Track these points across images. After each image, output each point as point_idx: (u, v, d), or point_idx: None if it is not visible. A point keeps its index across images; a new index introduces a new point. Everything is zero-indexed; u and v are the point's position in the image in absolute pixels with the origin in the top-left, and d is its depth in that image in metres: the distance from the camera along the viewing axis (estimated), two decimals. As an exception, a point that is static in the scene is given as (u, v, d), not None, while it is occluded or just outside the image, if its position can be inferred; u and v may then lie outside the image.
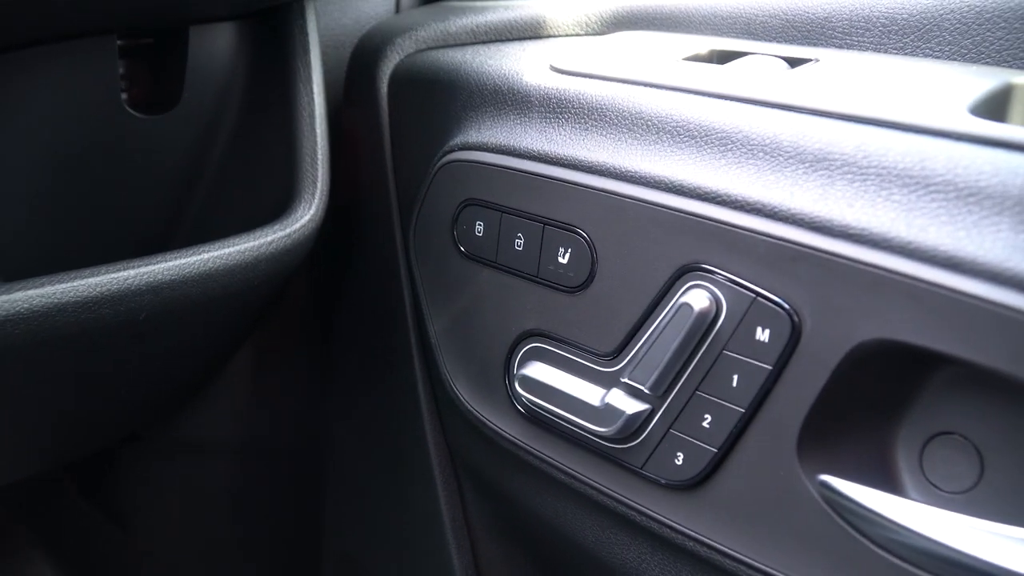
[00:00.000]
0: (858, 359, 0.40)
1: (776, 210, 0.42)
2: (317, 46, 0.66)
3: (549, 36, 0.67)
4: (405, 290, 0.66)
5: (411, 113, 0.65)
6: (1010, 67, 0.48)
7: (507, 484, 0.61)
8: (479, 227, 0.57)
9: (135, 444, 0.86)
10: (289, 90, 0.65)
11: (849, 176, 0.41)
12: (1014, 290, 0.35)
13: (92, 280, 0.53)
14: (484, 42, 0.67)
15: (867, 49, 0.53)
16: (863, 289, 0.39)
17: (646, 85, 0.51)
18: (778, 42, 0.56)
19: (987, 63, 0.48)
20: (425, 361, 0.66)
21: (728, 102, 0.47)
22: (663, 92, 0.50)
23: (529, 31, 0.67)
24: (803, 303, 0.42)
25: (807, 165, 0.42)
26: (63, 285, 0.52)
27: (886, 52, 0.52)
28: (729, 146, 0.45)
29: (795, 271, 0.42)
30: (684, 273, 0.46)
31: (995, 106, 0.42)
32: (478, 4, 0.72)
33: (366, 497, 0.76)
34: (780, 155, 0.43)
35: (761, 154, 0.44)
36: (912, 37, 0.51)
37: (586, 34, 0.67)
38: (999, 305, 0.35)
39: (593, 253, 0.51)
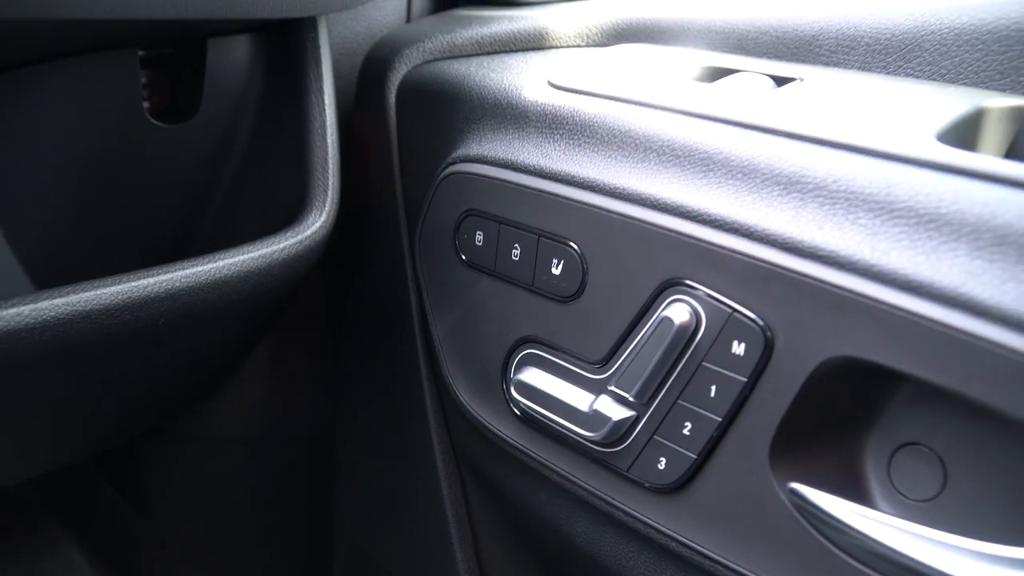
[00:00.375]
0: (826, 374, 0.42)
1: (752, 230, 0.44)
2: (328, 58, 0.68)
3: (552, 47, 0.69)
4: (411, 294, 0.69)
5: (417, 123, 0.68)
6: (986, 88, 0.49)
7: (506, 483, 0.64)
8: (479, 237, 0.59)
9: (158, 437, 0.90)
10: (301, 101, 0.68)
11: (820, 199, 0.43)
12: (967, 314, 0.37)
13: (114, 288, 0.56)
14: (489, 53, 0.69)
15: (852, 67, 0.54)
16: (830, 308, 0.41)
17: (637, 104, 0.53)
18: (768, 58, 0.58)
19: (965, 83, 0.49)
20: (430, 363, 0.69)
21: (711, 123, 0.49)
22: (652, 111, 0.52)
23: (533, 42, 0.69)
24: (776, 320, 0.44)
25: (781, 187, 0.44)
26: (87, 294, 0.55)
27: (870, 71, 0.53)
28: (711, 166, 0.47)
29: (768, 289, 0.44)
30: (667, 287, 0.48)
31: (964, 131, 0.44)
32: (485, 14, 0.74)
33: (375, 491, 0.80)
34: (757, 177, 0.45)
35: (739, 175, 0.46)
36: (894, 57, 0.52)
37: (588, 45, 0.68)
38: (953, 328, 0.37)
39: (584, 265, 0.53)
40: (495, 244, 0.58)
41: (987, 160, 0.39)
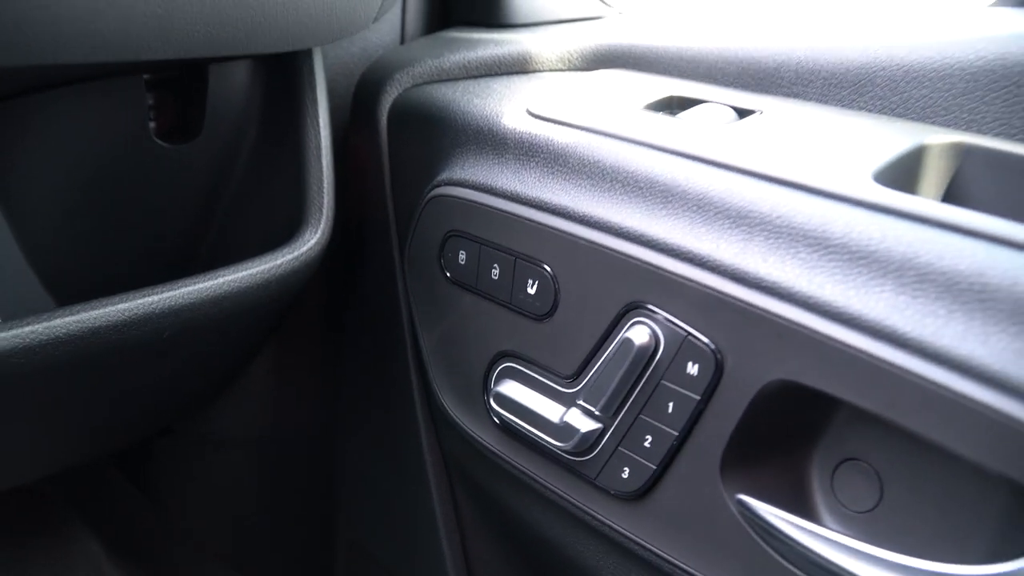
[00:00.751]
0: (770, 395, 0.46)
1: (704, 260, 0.48)
2: (323, 83, 0.72)
3: (536, 71, 0.72)
4: (402, 307, 0.73)
5: (407, 146, 0.71)
6: (931, 123, 0.52)
7: (490, 486, 0.68)
8: (462, 256, 0.63)
9: (170, 436, 0.94)
10: (298, 124, 0.72)
11: (765, 233, 0.46)
12: (891, 345, 0.40)
13: (122, 306, 0.60)
14: (476, 76, 0.73)
15: (811, 99, 0.57)
16: (772, 336, 0.45)
17: (605, 135, 0.56)
18: (734, 87, 0.61)
19: (913, 118, 0.52)
20: (420, 373, 0.73)
21: (671, 156, 0.52)
22: (618, 143, 0.55)
23: (517, 66, 0.73)
24: (725, 344, 0.47)
25: (731, 221, 0.47)
26: (96, 312, 0.60)
27: (827, 103, 0.56)
28: (669, 198, 0.51)
29: (719, 316, 0.47)
30: (629, 310, 0.52)
31: (903, 170, 0.47)
32: (474, 36, 0.77)
33: (372, 491, 0.84)
34: (710, 209, 0.48)
35: (694, 207, 0.49)
36: (848, 91, 0.55)
37: (569, 69, 0.72)
38: (878, 358, 0.40)
39: (556, 286, 0.56)
40: (476, 263, 0.62)
41: (914, 201, 0.42)
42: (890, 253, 0.41)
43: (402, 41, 0.83)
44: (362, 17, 0.65)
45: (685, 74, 0.64)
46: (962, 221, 0.40)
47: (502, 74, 0.73)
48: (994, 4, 0.60)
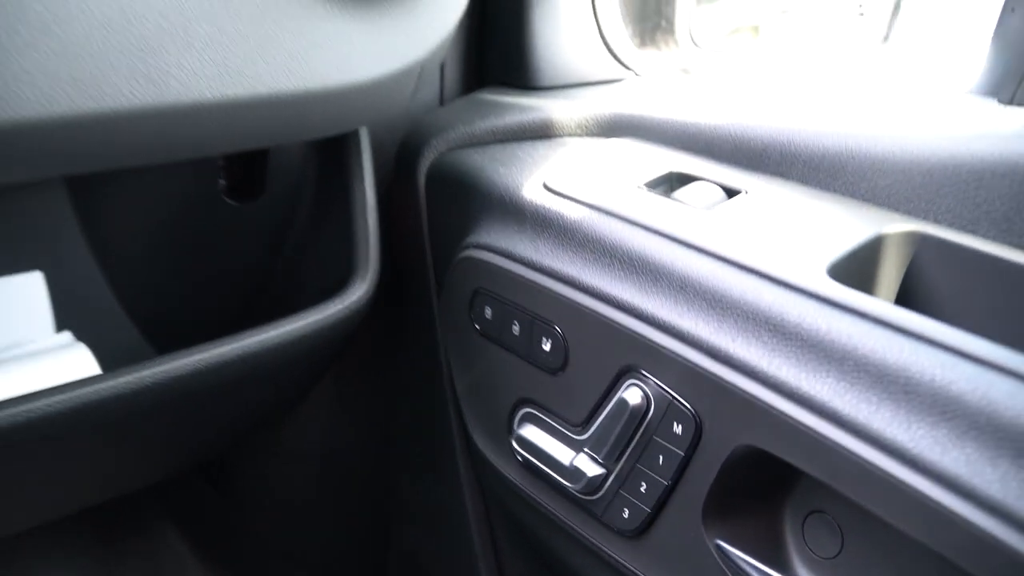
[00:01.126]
0: (740, 456, 0.53)
1: (685, 335, 0.55)
2: (369, 150, 0.81)
3: (557, 136, 0.80)
4: (441, 349, 0.82)
5: (442, 206, 0.80)
6: (895, 211, 0.57)
7: (519, 513, 0.76)
8: (488, 312, 0.71)
9: (243, 449, 1.06)
10: (347, 186, 0.81)
11: (735, 316, 0.53)
12: (833, 424, 0.47)
13: (199, 357, 0.70)
14: (503, 141, 0.81)
15: (794, 179, 0.63)
16: (740, 407, 0.52)
17: (607, 214, 0.63)
18: (728, 163, 0.67)
19: (879, 204, 0.58)
20: (457, 409, 0.81)
21: (661, 238, 0.59)
22: (618, 222, 0.62)
23: (540, 132, 0.80)
24: (703, 409, 0.54)
25: (707, 302, 0.54)
26: (177, 362, 0.69)
27: (808, 183, 0.62)
28: (658, 277, 0.58)
29: (697, 385, 0.54)
30: (625, 373, 0.59)
31: (858, 260, 0.53)
32: (504, 100, 0.85)
33: (418, 508, 0.93)
34: (690, 290, 0.55)
35: (678, 287, 0.56)
36: (825, 175, 0.61)
37: (586, 135, 0.79)
38: (822, 435, 0.47)
39: (566, 345, 0.64)
40: (500, 320, 0.70)
41: (856, 297, 0.49)
42: (834, 344, 0.48)
43: (441, 101, 0.91)
44: (400, 100, 0.73)
45: (687, 146, 0.71)
46: (894, 319, 0.47)
47: (527, 138, 0.80)
48: (971, 92, 0.65)
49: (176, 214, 0.90)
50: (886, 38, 0.98)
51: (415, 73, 0.72)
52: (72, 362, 0.77)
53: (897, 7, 0.97)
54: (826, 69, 0.94)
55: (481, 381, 0.74)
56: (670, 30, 0.98)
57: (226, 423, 0.89)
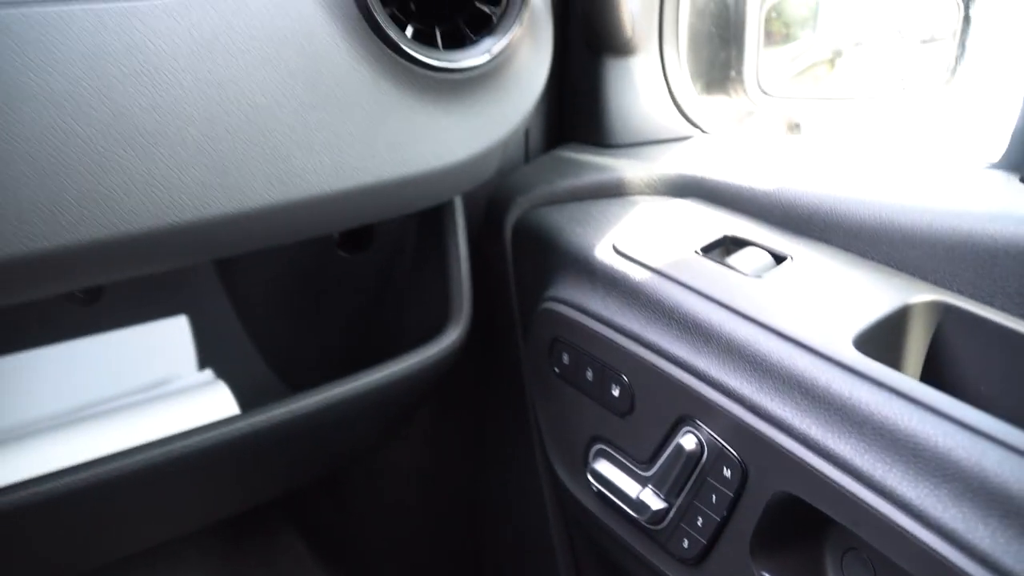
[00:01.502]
0: (780, 500, 0.60)
1: (731, 392, 0.63)
2: (462, 209, 0.91)
3: (628, 195, 0.88)
4: (526, 387, 0.92)
5: (526, 259, 0.89)
6: (924, 280, 0.63)
7: (596, 540, 0.86)
8: (565, 358, 0.80)
9: (354, 466, 1.19)
10: (443, 241, 0.91)
11: (773, 377, 0.60)
12: (854, 479, 0.54)
13: (322, 396, 0.82)
14: (581, 199, 0.90)
15: (837, 244, 0.70)
16: (777, 458, 0.59)
17: (667, 278, 0.71)
18: (778, 226, 0.74)
19: (910, 273, 0.64)
20: (541, 444, 0.91)
21: (712, 304, 0.67)
22: (676, 287, 0.70)
23: (614, 191, 0.89)
24: (747, 458, 0.62)
25: (750, 364, 0.62)
26: (299, 403, 0.82)
27: (850, 249, 0.69)
28: (709, 339, 0.66)
29: (742, 437, 0.62)
30: (681, 421, 0.68)
31: (885, 329, 0.59)
32: (581, 159, 0.94)
33: (508, 525, 1.04)
34: (736, 353, 0.63)
35: (725, 349, 0.64)
36: (864, 243, 0.67)
37: (654, 195, 0.87)
38: (845, 488, 0.54)
39: (632, 392, 0.73)
40: (575, 366, 0.79)
41: (876, 369, 0.55)
42: (855, 409, 0.55)
43: (526, 157, 1.01)
44: (489, 170, 0.83)
45: (742, 209, 0.78)
46: (906, 390, 0.53)
47: (601, 196, 0.89)
48: (990, 167, 0.70)
49: (297, 264, 1.03)
50: (953, 73, 1.02)
51: (502, 147, 0.81)
52: (213, 400, 0.91)
53: (962, 48, 1.00)
54: (880, 120, 0.99)
55: (560, 419, 0.83)
56: (739, 79, 1.04)
57: (341, 448, 1.01)
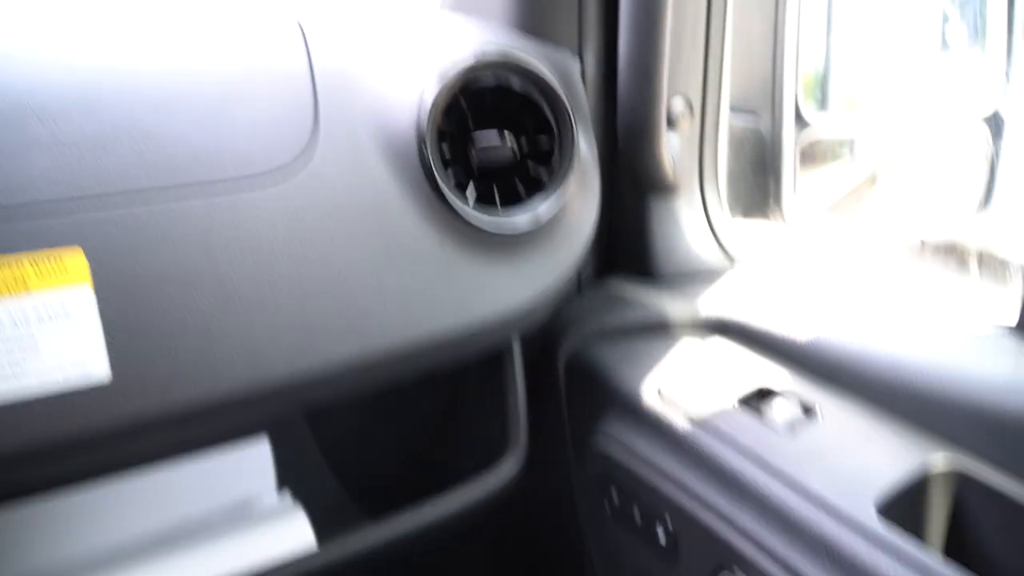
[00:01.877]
0: None
1: (763, 546, 0.67)
2: (519, 353, 0.98)
3: (673, 332, 0.94)
4: (580, 521, 0.97)
5: (578, 392, 0.96)
6: (943, 438, 0.67)
7: None
8: (614, 493, 0.86)
9: None
10: (501, 377, 0.98)
11: (802, 539, 0.65)
12: None
13: (387, 528, 0.89)
14: (629, 333, 0.96)
15: (863, 395, 0.74)
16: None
17: (707, 429, 0.77)
18: (810, 374, 0.79)
19: (932, 432, 0.68)
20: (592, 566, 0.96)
21: (742, 458, 0.72)
22: (712, 439, 0.75)
23: (659, 327, 0.95)
24: (779, 610, 0.66)
25: (780, 522, 0.67)
26: (372, 532, 0.89)
27: (873, 402, 0.73)
28: (742, 492, 0.70)
29: (772, 587, 0.67)
30: (720, 569, 0.72)
31: (907, 496, 0.64)
32: (628, 294, 1.01)
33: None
34: (766, 509, 0.68)
35: (758, 505, 0.69)
36: (886, 398, 0.72)
37: (695, 333, 0.93)
38: None
39: (675, 533, 0.78)
40: (624, 503, 0.84)
41: (894, 537, 0.60)
42: (875, 573, 0.59)
43: (579, 287, 1.08)
44: (543, 312, 0.90)
45: (775, 353, 0.83)
46: (920, 561, 0.57)
47: (648, 330, 0.95)
48: (1009, 329, 0.73)
49: (368, 395, 1.11)
50: (985, 203, 1.05)
51: (556, 291, 0.88)
52: (291, 528, 0.99)
53: (992, 176, 1.04)
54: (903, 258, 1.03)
55: (612, 552, 0.89)
56: (777, 208, 1.10)
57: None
